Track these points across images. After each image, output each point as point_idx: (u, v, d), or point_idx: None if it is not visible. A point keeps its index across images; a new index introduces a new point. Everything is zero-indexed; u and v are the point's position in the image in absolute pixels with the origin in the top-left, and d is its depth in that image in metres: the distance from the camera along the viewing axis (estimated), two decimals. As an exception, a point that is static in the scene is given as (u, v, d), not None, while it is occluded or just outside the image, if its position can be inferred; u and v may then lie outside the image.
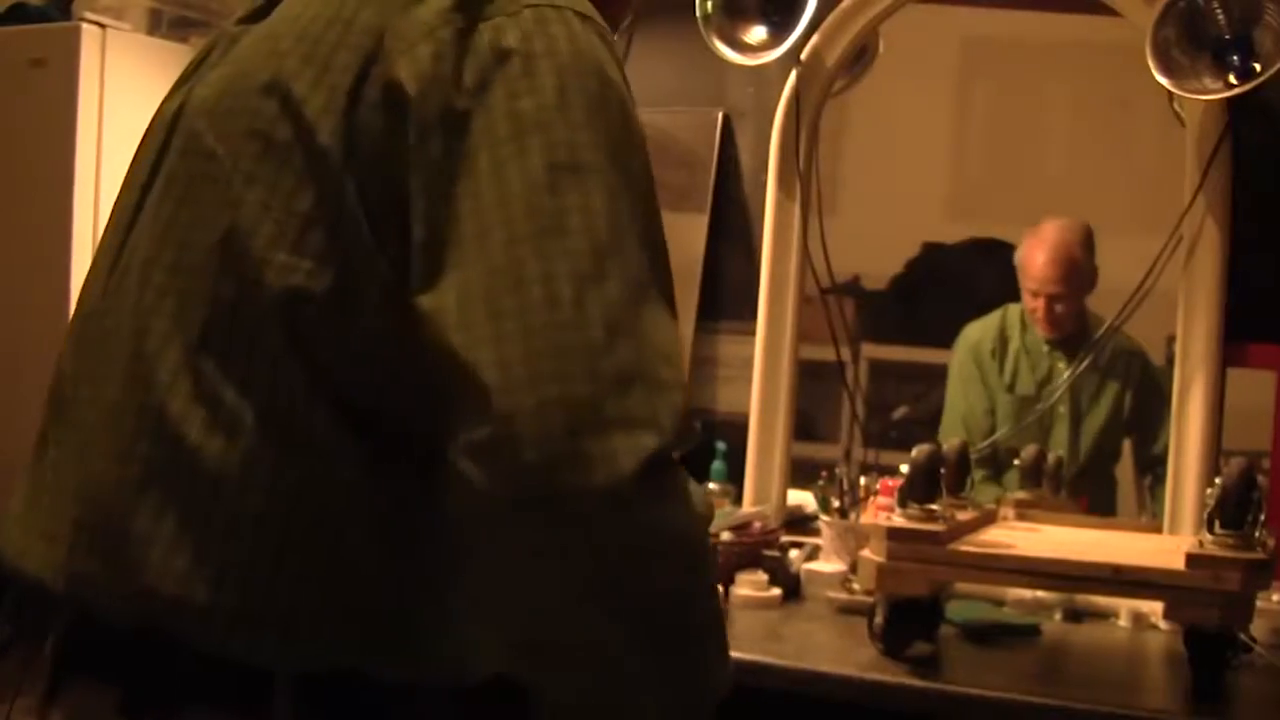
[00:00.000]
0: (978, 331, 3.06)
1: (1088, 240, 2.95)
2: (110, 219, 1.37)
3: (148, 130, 1.38)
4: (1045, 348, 3.00)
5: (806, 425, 3.05)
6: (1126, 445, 2.95)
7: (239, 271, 1.18)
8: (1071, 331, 3.00)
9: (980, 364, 3.04)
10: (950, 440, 2.36)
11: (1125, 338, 2.88)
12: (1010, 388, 3.02)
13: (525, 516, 1.06)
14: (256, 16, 1.33)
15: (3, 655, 1.28)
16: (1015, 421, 2.97)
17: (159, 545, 1.16)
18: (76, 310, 1.36)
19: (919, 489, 2.12)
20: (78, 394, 1.28)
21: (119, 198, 1.37)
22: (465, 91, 1.15)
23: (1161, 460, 2.76)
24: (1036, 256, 2.98)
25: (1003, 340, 3.04)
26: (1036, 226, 2.97)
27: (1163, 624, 2.39)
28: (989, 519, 2.41)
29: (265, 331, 1.17)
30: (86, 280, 1.37)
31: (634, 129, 1.21)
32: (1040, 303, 2.97)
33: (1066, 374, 2.95)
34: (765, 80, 3.03)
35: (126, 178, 1.38)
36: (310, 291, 1.16)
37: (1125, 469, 2.96)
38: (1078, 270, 2.96)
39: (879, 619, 2.12)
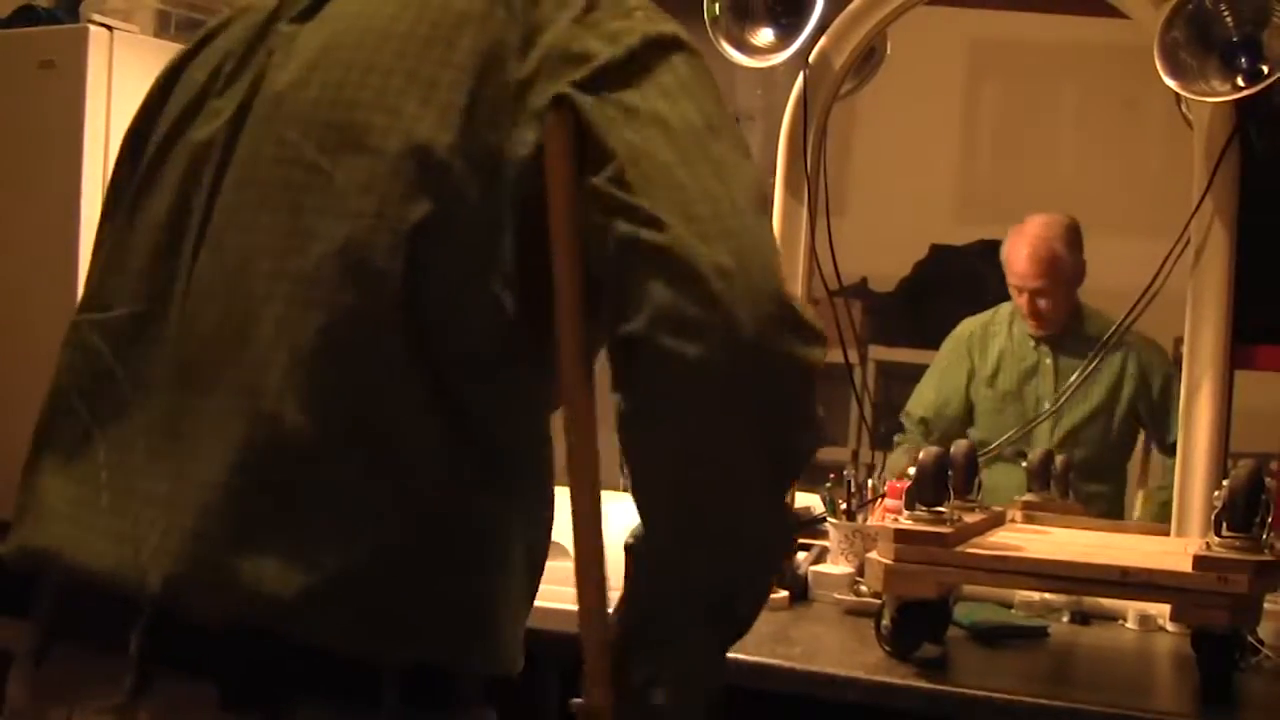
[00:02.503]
0: (970, 325, 3.06)
1: (1071, 235, 2.95)
2: (134, 214, 1.38)
3: (187, 124, 1.38)
4: (1031, 343, 3.00)
5: (814, 427, 3.04)
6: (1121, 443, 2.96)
7: (357, 281, 1.22)
8: (1060, 327, 3.00)
9: (967, 354, 3.05)
10: (958, 442, 2.37)
11: (1138, 336, 2.89)
12: (991, 382, 3.02)
13: (732, 380, 1.17)
14: (308, 14, 1.36)
15: (44, 658, 1.30)
16: (995, 416, 2.97)
17: (271, 551, 1.20)
18: (101, 307, 1.37)
19: (926, 491, 2.12)
20: (136, 396, 1.30)
21: (146, 193, 1.38)
22: (608, 74, 1.25)
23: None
24: (1019, 252, 2.99)
25: (990, 335, 3.04)
26: (1020, 223, 2.97)
27: (1170, 626, 2.39)
28: (997, 521, 2.40)
29: (383, 340, 1.21)
30: (108, 277, 1.38)
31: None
32: (1024, 298, 2.98)
33: (1052, 368, 2.95)
34: (773, 82, 3.03)
35: (152, 172, 1.38)
36: (429, 297, 1.22)
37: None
38: (1060, 265, 2.96)
39: (887, 621, 2.12)
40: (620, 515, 2.46)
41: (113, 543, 1.25)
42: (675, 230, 1.17)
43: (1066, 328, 3.00)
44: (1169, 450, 2.88)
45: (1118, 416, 2.92)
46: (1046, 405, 2.96)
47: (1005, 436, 2.86)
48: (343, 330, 1.21)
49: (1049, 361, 2.99)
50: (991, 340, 3.05)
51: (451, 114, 1.24)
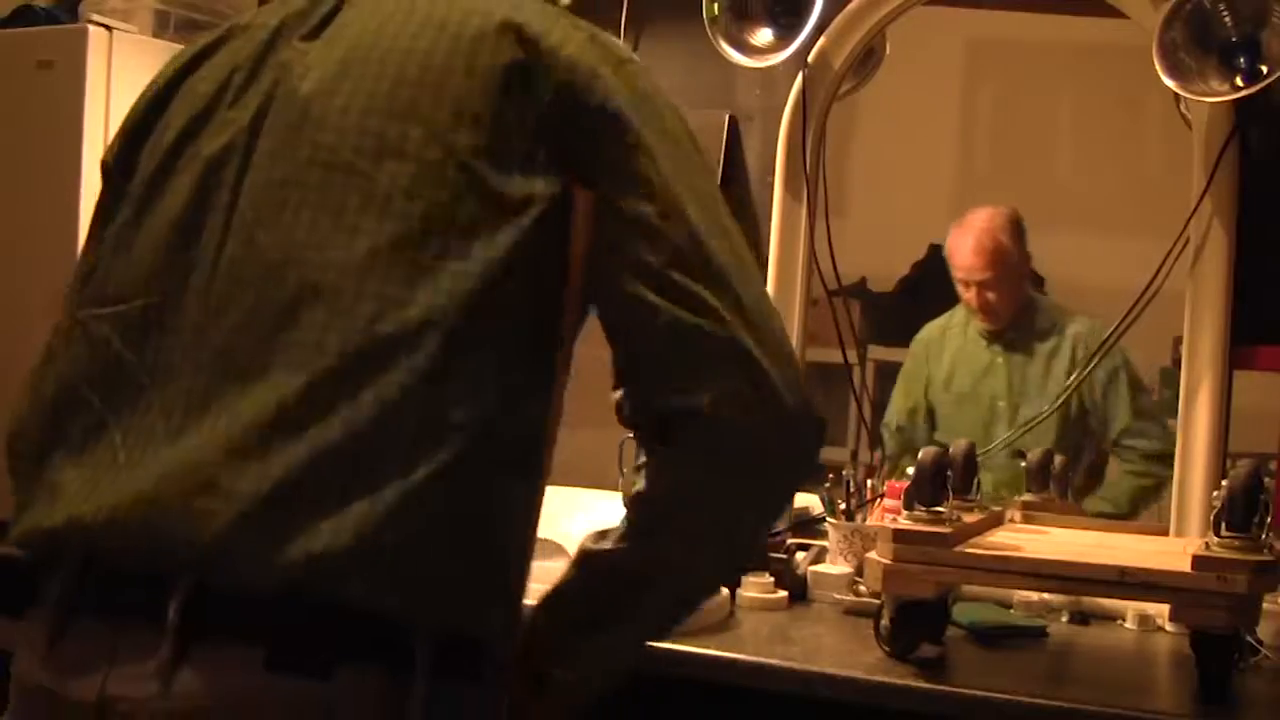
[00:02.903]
0: (929, 330, 3.07)
1: (1013, 226, 2.95)
2: (140, 217, 1.45)
3: (197, 133, 1.46)
4: (984, 342, 3.01)
5: (813, 427, 3.05)
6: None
7: (406, 277, 1.33)
8: (1012, 321, 3.00)
9: (925, 360, 3.05)
10: (957, 442, 2.37)
11: (1082, 321, 2.93)
12: (948, 385, 3.02)
13: (776, 439, 1.37)
14: (315, 33, 1.46)
15: (61, 636, 1.34)
16: (953, 419, 2.97)
17: (321, 515, 1.27)
18: (107, 301, 1.43)
19: (925, 491, 2.12)
20: (154, 382, 1.37)
21: (155, 197, 1.45)
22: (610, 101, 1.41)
23: (1118, 443, 2.83)
24: (961, 245, 2.99)
25: (947, 338, 3.04)
26: (961, 217, 2.98)
27: (1169, 626, 2.39)
28: (995, 521, 2.40)
29: (431, 331, 1.32)
30: (111, 275, 1.45)
31: None
32: (972, 292, 2.98)
33: (1005, 366, 2.96)
34: (772, 82, 3.03)
35: (160, 178, 1.45)
36: (479, 289, 1.33)
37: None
38: (1005, 255, 2.96)
39: (886, 621, 2.12)
40: (612, 512, 2.46)
41: (141, 513, 1.29)
42: (731, 322, 1.35)
43: (1017, 322, 3.00)
44: (1112, 448, 2.89)
45: (1073, 409, 2.92)
46: (1001, 404, 2.97)
47: (1002, 439, 2.85)
48: (392, 323, 1.31)
49: (1001, 360, 2.99)
50: (948, 343, 3.05)
51: (484, 124, 1.37)
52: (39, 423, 1.43)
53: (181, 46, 1.58)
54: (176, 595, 1.26)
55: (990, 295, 2.96)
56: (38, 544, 1.37)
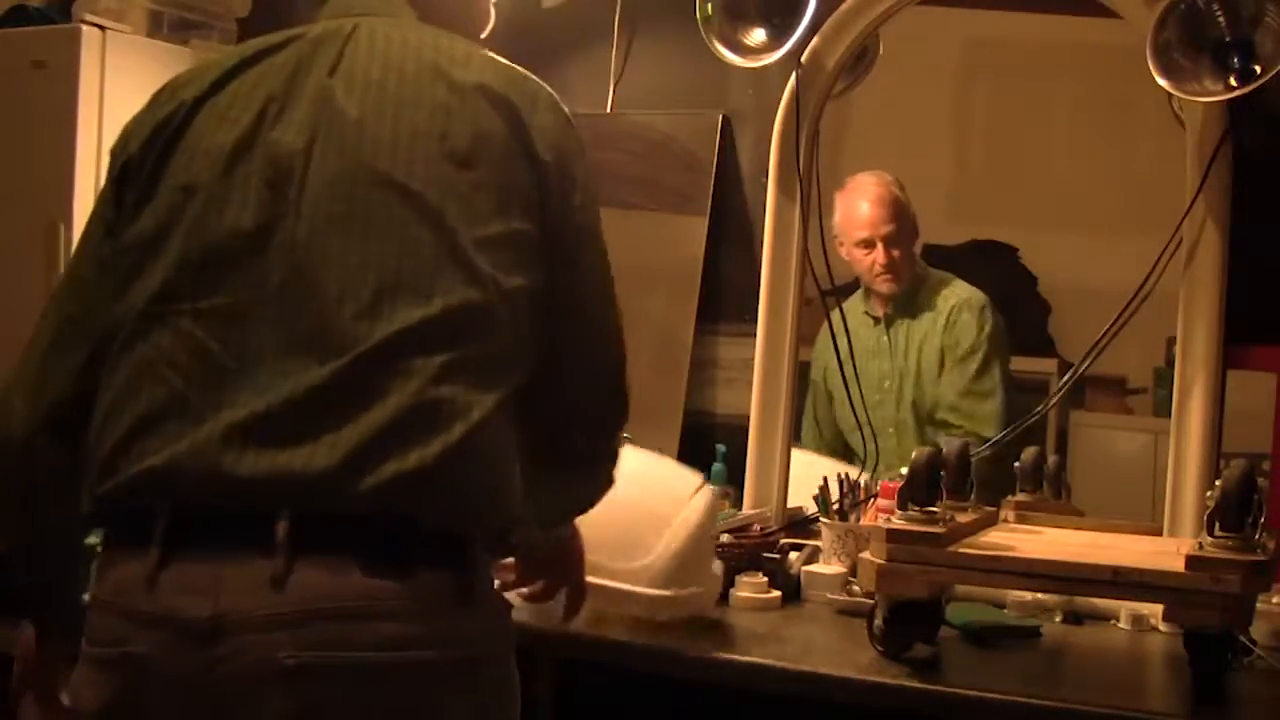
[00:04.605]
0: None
1: (900, 185, 2.99)
2: (204, 224, 1.60)
3: (243, 154, 1.63)
4: (870, 322, 3.03)
5: (807, 427, 3.05)
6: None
7: (464, 278, 1.58)
8: (907, 286, 3.02)
9: (825, 348, 3.04)
10: (950, 441, 2.37)
11: (962, 288, 2.98)
12: (841, 369, 3.02)
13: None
14: (332, 71, 1.66)
15: (166, 566, 1.52)
16: (849, 401, 2.97)
17: (403, 455, 1.51)
18: (188, 298, 1.59)
19: (919, 491, 2.11)
20: (241, 366, 1.55)
21: (197, 208, 1.61)
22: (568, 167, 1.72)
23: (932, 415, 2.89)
24: (858, 205, 3.02)
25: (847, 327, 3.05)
26: (844, 187, 3.03)
27: (1163, 626, 2.39)
28: (989, 521, 2.41)
29: (481, 321, 1.59)
30: (184, 275, 1.60)
31: None
32: (878, 251, 2.99)
33: (888, 344, 2.98)
34: (766, 82, 3.03)
35: (208, 188, 1.62)
36: (503, 290, 1.61)
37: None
38: (902, 208, 2.99)
39: (879, 621, 2.12)
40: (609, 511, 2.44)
41: (235, 458, 1.51)
42: None
43: (903, 298, 3.01)
44: (931, 422, 2.94)
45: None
46: (888, 383, 3.00)
47: (1002, 434, 2.84)
48: (456, 312, 1.57)
49: (885, 339, 3.00)
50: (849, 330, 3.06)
51: (499, 164, 1.64)
52: (112, 403, 1.59)
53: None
54: (281, 522, 1.48)
55: (895, 251, 2.99)
56: (142, 486, 1.53)
